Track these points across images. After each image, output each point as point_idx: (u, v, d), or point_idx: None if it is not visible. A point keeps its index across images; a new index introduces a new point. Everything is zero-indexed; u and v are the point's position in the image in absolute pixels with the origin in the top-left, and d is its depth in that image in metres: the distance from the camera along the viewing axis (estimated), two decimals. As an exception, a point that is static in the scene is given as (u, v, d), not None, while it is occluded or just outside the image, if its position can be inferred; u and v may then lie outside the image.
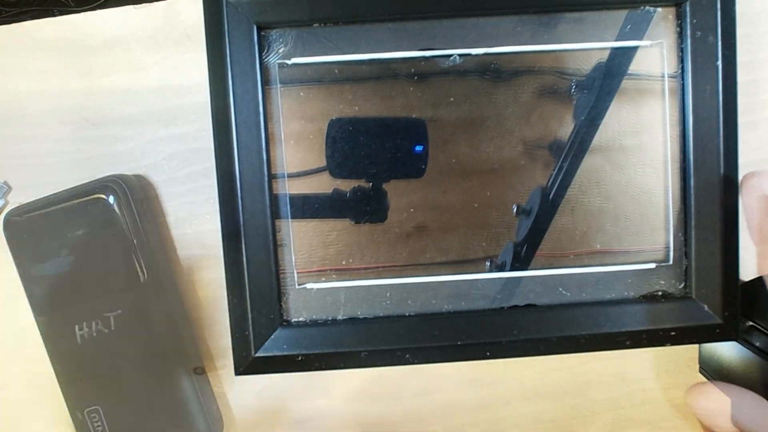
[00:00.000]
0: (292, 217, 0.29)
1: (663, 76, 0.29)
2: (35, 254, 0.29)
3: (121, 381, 0.30)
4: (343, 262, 0.30)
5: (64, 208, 0.29)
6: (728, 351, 0.30)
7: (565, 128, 0.29)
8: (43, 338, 0.30)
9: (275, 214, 0.29)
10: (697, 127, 0.28)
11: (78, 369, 0.30)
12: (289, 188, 0.29)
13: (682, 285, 0.30)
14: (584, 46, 0.29)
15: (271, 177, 0.29)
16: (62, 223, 0.29)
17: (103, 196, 0.29)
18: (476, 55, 0.29)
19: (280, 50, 0.28)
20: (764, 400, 0.24)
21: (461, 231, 0.29)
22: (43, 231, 0.29)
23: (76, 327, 0.29)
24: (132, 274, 0.29)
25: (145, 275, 0.29)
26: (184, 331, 0.31)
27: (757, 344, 0.29)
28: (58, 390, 0.30)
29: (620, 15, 0.29)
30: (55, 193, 0.30)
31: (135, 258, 0.29)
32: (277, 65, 0.28)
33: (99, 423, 0.30)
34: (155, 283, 0.30)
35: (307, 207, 0.29)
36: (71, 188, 0.30)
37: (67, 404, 0.30)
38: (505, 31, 0.28)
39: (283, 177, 0.29)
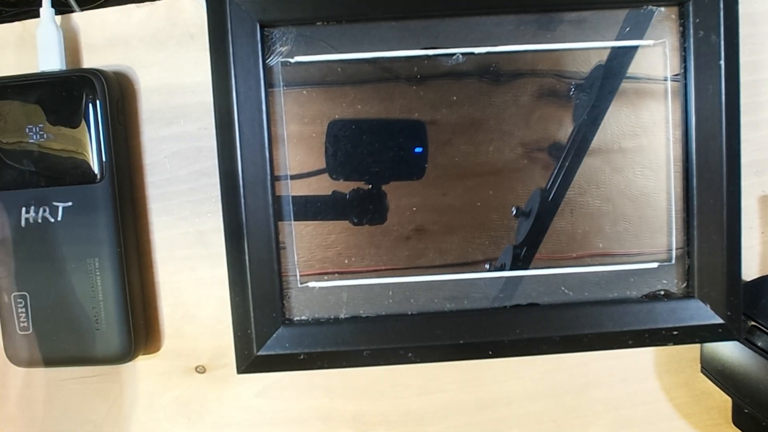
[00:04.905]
0: (294, 219, 0.29)
1: (665, 76, 0.29)
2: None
3: (53, 273, 0.30)
4: (345, 261, 0.29)
5: (39, 86, 0.29)
6: (730, 351, 0.30)
7: (565, 130, 0.29)
8: None
9: (278, 215, 0.29)
10: (700, 126, 0.28)
11: (15, 252, 0.30)
12: (291, 189, 0.29)
13: (685, 284, 0.30)
14: (587, 45, 0.29)
15: (274, 178, 0.29)
16: (33, 101, 0.29)
17: (76, 88, 0.29)
18: (478, 54, 0.29)
19: (283, 49, 0.28)
20: None
21: (461, 233, 0.29)
22: (11, 104, 0.29)
23: (24, 209, 0.29)
24: (88, 171, 0.29)
25: (102, 176, 0.29)
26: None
27: (759, 344, 0.29)
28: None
29: (622, 14, 0.29)
30: (34, 73, 0.30)
31: (93, 155, 0.29)
32: (280, 64, 0.28)
33: (23, 310, 0.30)
34: (110, 186, 0.29)
35: (309, 208, 0.29)
36: (51, 72, 0.30)
37: None
38: (507, 30, 0.28)
39: (286, 178, 0.29)
